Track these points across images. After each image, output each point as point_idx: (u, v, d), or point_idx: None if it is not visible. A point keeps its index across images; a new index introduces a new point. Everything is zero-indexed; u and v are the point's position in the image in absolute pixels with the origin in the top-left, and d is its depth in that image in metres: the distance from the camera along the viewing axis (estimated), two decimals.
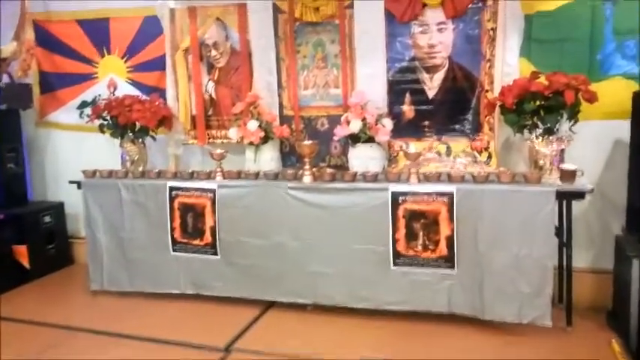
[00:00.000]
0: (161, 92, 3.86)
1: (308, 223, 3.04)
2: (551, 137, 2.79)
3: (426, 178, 2.90)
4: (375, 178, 3.00)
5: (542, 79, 2.82)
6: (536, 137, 2.83)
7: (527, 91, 2.78)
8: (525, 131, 2.90)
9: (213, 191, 3.22)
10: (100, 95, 3.86)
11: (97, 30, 4.09)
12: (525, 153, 3.13)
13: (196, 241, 3.29)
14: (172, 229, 3.34)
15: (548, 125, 2.80)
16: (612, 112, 2.95)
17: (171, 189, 3.32)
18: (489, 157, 3.15)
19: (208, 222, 3.25)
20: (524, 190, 2.66)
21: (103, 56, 4.11)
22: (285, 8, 3.46)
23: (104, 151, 3.94)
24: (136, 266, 3.46)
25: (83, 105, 3.87)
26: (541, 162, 2.83)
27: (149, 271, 3.42)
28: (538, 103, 2.80)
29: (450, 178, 2.86)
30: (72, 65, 4.21)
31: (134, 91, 3.97)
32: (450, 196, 2.75)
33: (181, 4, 3.67)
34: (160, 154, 4.00)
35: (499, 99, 2.89)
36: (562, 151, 2.81)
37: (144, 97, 3.82)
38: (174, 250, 3.35)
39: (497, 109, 3.00)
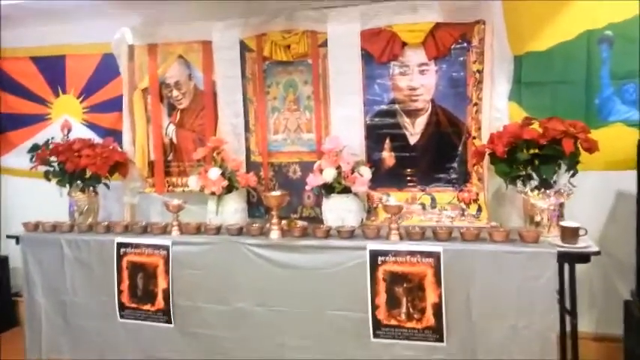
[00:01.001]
0: (118, 135, 3.52)
1: (275, 286, 2.64)
2: (548, 190, 2.49)
3: (409, 235, 2.55)
4: (351, 234, 2.65)
5: (536, 126, 2.54)
6: (531, 190, 2.53)
7: (519, 139, 2.49)
8: (518, 182, 2.60)
9: (166, 248, 2.82)
10: (52, 138, 3.50)
11: (52, 68, 3.81)
12: (519, 205, 2.83)
13: (147, 307, 2.85)
14: (120, 292, 2.90)
15: (544, 177, 2.50)
16: (614, 162, 2.71)
17: (120, 245, 2.91)
18: (479, 209, 2.83)
19: (161, 284, 2.82)
20: (522, 252, 2.32)
21: (57, 96, 3.83)
22: (253, 46, 3.18)
23: (57, 200, 3.52)
24: (78, 334, 3.00)
25: (34, 148, 3.47)
26: (537, 218, 2.52)
27: (94, 339, 2.97)
28: (532, 151, 2.51)
29: (436, 236, 2.51)
30: (24, 105, 3.90)
31: (90, 134, 3.67)
32: (437, 256, 2.40)
33: (141, 40, 3.36)
34: (117, 204, 3.62)
35: (488, 147, 2.60)
36: (561, 205, 2.50)
37: (98, 140, 3.48)
38: (121, 317, 2.90)
39: (487, 158, 2.70)
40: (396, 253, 2.45)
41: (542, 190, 2.51)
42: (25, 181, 3.88)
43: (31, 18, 3.63)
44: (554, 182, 2.52)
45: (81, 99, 3.73)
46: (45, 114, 3.84)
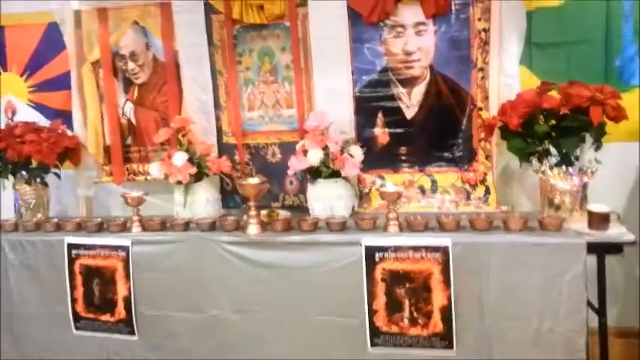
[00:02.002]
0: (68, 117, 3.05)
1: (254, 289, 2.27)
2: (570, 168, 2.13)
3: (410, 226, 2.18)
4: (342, 226, 2.27)
5: (554, 93, 2.17)
6: (550, 168, 2.17)
7: (537, 109, 2.12)
8: (533, 159, 2.24)
9: (125, 249, 2.40)
10: None
11: None
12: (529, 185, 2.48)
13: (106, 317, 2.46)
14: (73, 301, 2.50)
15: (566, 152, 2.14)
16: (637, 132, 2.34)
17: (71, 246, 2.49)
18: (487, 192, 2.47)
19: (121, 291, 2.42)
20: (545, 243, 1.97)
21: None
22: (220, 7, 2.71)
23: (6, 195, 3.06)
24: (28, 348, 2.62)
25: None
26: (558, 200, 2.17)
27: (46, 354, 2.59)
28: (551, 123, 2.15)
29: (441, 226, 2.15)
30: None
31: (38, 116, 3.16)
32: (444, 251, 2.03)
33: (88, 4, 2.87)
34: (73, 196, 3.17)
35: (500, 119, 2.22)
36: (585, 185, 2.15)
37: (46, 123, 3.00)
38: (77, 328, 2.51)
39: (497, 132, 2.32)
40: (397, 249, 2.08)
41: (563, 167, 2.15)
42: None
43: None
44: (577, 158, 2.17)
45: (25, 76, 3.23)
46: None
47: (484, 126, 2.38)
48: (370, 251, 2.11)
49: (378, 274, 2.11)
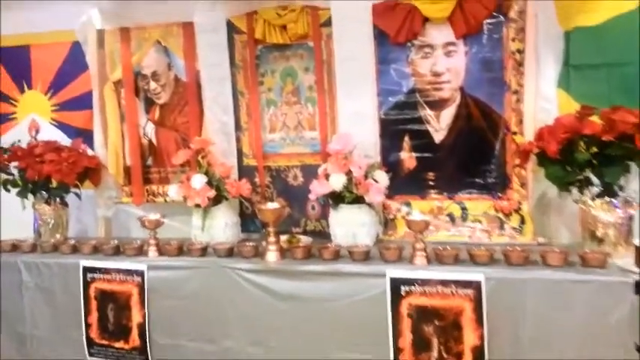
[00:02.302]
0: (90, 136, 3.02)
1: (272, 320, 2.15)
2: (614, 199, 1.97)
3: (439, 258, 2.04)
4: (365, 256, 2.14)
5: (595, 118, 2.02)
6: (592, 198, 2.01)
7: (577, 135, 1.98)
8: (573, 189, 2.08)
9: (141, 274, 2.32)
10: (19, 141, 3.00)
11: (16, 60, 3.30)
12: (567, 216, 2.32)
13: (120, 343, 2.37)
14: (87, 326, 2.43)
15: (609, 182, 1.98)
16: None
17: (86, 270, 2.42)
18: (522, 222, 2.32)
19: (135, 317, 2.34)
20: (588, 281, 1.81)
21: (22, 92, 3.31)
22: (242, 27, 2.66)
23: (21, 214, 3.03)
24: None
25: None
26: (600, 233, 2.01)
27: None
28: (592, 150, 2.00)
29: (473, 258, 2.00)
30: None
31: (60, 135, 3.15)
32: (477, 286, 1.88)
33: (111, 24, 2.85)
34: (93, 216, 3.13)
35: (537, 145, 2.08)
36: (630, 218, 1.99)
37: (66, 143, 2.98)
38: (90, 355, 2.43)
39: (533, 159, 2.18)
40: (424, 282, 1.94)
41: (606, 198, 1.99)
42: None
43: None
44: (620, 188, 2.01)
45: (49, 95, 3.23)
46: (9, 113, 3.33)
47: (519, 152, 2.24)
48: (396, 284, 1.98)
49: (404, 309, 1.97)
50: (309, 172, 2.64)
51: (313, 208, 2.69)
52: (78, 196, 2.93)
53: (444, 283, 1.93)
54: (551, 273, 1.87)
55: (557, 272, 1.87)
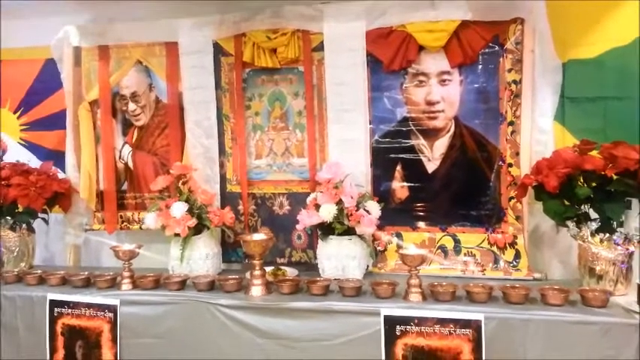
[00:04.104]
0: (62, 158, 2.84)
1: None
2: (614, 235, 1.92)
3: (435, 295, 1.94)
4: (357, 292, 2.03)
5: (594, 153, 1.99)
6: (592, 234, 1.95)
7: (577, 170, 1.92)
8: (570, 224, 2.02)
9: (113, 309, 2.14)
10: None
11: None
12: (560, 249, 2.27)
13: None
14: None
15: (610, 218, 1.93)
16: None
17: (53, 303, 2.23)
18: (517, 256, 2.24)
19: (106, 356, 2.15)
20: (591, 322, 1.73)
21: None
22: (230, 49, 2.56)
23: None
24: None
25: None
26: (599, 270, 1.95)
27: None
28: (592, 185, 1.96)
29: (471, 296, 1.91)
30: None
31: (29, 156, 2.95)
32: (477, 326, 1.79)
33: (89, 41, 2.71)
34: (59, 242, 2.93)
35: (535, 178, 2.02)
36: (631, 255, 1.93)
37: (36, 164, 2.79)
38: None
39: (529, 192, 2.13)
40: (421, 321, 1.84)
41: (607, 235, 1.93)
42: None
43: None
44: (621, 224, 1.96)
45: (18, 114, 3.05)
46: None
47: (515, 184, 2.19)
48: (390, 323, 1.86)
49: (399, 350, 1.85)
50: (296, 200, 2.53)
51: (299, 237, 2.56)
52: (45, 221, 2.74)
53: (442, 322, 1.82)
54: (552, 313, 1.79)
55: (559, 312, 1.79)
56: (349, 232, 2.24)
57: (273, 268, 2.40)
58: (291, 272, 2.40)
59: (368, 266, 2.36)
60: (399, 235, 2.42)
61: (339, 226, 2.22)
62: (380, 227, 2.36)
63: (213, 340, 2.05)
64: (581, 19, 2.26)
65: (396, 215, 2.42)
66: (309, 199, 2.34)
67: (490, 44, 2.26)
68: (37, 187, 2.56)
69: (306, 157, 2.53)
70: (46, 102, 2.98)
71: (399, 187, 2.43)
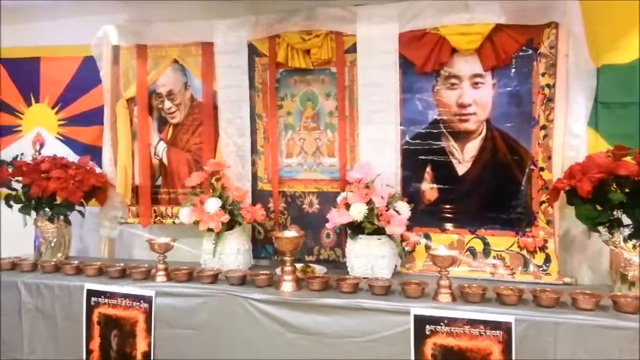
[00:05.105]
0: (98, 153, 2.93)
1: (286, 354, 2.04)
2: None
3: (464, 296, 1.96)
4: (386, 290, 2.05)
5: (629, 158, 1.98)
6: (624, 240, 1.95)
7: (611, 175, 1.92)
8: (602, 229, 2.02)
9: (148, 300, 2.21)
10: (22, 154, 2.91)
11: (24, 72, 3.23)
12: (590, 254, 2.27)
13: None
14: (89, 353, 2.30)
15: None
16: None
17: (90, 293, 2.31)
18: (547, 260, 2.25)
19: (140, 345, 2.22)
20: (622, 327, 1.73)
21: (29, 105, 3.23)
22: (264, 50, 2.61)
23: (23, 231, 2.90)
24: None
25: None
26: (631, 275, 1.94)
27: None
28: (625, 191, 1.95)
29: (500, 298, 1.92)
30: None
31: (66, 150, 3.07)
32: (506, 328, 1.80)
33: (128, 40, 2.79)
34: (96, 234, 3.02)
35: (568, 183, 2.02)
36: None
37: (75, 158, 2.89)
38: None
39: (561, 196, 2.13)
40: (451, 322, 1.86)
41: (638, 240, 1.93)
42: None
43: (1, 15, 3.10)
44: None
45: (56, 109, 3.15)
46: (14, 125, 3.24)
47: (547, 189, 2.19)
48: (420, 322, 1.89)
49: (429, 349, 1.88)
50: (326, 199, 2.57)
51: (328, 236, 2.60)
52: (82, 214, 2.82)
53: (472, 323, 1.84)
54: (583, 317, 1.79)
55: (590, 316, 1.80)
56: (379, 231, 2.27)
57: (302, 265, 2.45)
58: (319, 270, 2.44)
59: (396, 266, 2.38)
60: (427, 236, 2.44)
61: (369, 226, 2.24)
62: (408, 228, 2.37)
63: (244, 332, 2.10)
64: (615, 24, 2.25)
65: (424, 216, 2.44)
66: (339, 199, 2.38)
67: (524, 48, 2.26)
68: (76, 181, 2.65)
69: (337, 157, 2.57)
70: (83, 98, 3.08)
71: (429, 189, 2.45)
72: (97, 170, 2.85)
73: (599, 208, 2.00)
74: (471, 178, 2.38)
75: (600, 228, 2.03)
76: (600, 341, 1.75)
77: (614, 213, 1.99)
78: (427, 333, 1.88)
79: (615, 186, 1.97)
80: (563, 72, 2.20)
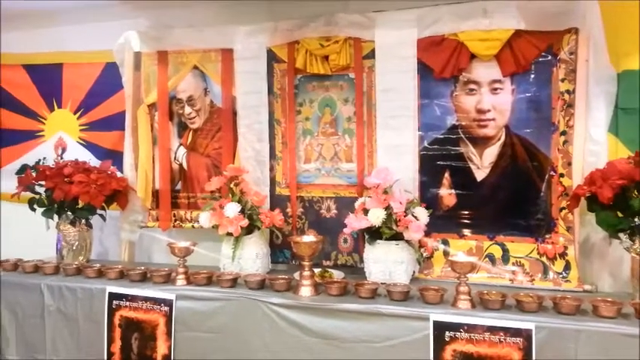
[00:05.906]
0: (120, 157, 2.98)
1: (305, 358, 2.05)
2: None
3: (484, 303, 1.95)
4: (405, 296, 2.06)
5: None
6: None
7: (632, 181, 1.91)
8: (623, 236, 2.01)
9: (169, 303, 2.24)
10: (44, 158, 2.97)
11: (47, 78, 3.30)
12: (611, 261, 2.24)
13: None
14: (110, 355, 2.33)
15: None
16: None
17: (112, 296, 2.35)
18: (567, 267, 2.23)
19: (161, 348, 2.25)
20: None
21: (52, 110, 3.30)
22: (283, 56, 2.64)
23: (45, 234, 2.95)
24: None
25: (23, 170, 2.93)
26: None
27: None
28: None
29: (520, 305, 1.92)
30: (14, 119, 3.37)
31: (87, 155, 3.13)
32: (527, 335, 1.79)
33: (149, 47, 2.84)
34: (116, 238, 3.07)
35: (588, 189, 2.01)
36: None
37: (96, 163, 2.94)
38: None
39: (581, 202, 2.11)
40: (471, 328, 1.85)
41: None
42: (14, 208, 3.26)
43: (25, 21, 3.18)
44: None
45: (78, 114, 3.22)
46: (37, 130, 3.32)
47: (567, 195, 2.18)
48: (440, 328, 1.89)
49: (448, 355, 1.87)
50: (343, 204, 2.58)
51: (345, 241, 2.61)
52: (103, 217, 2.87)
53: (492, 329, 1.84)
54: (607, 325, 1.78)
55: (612, 324, 1.78)
56: (396, 237, 2.28)
57: (320, 269, 2.46)
58: (337, 275, 2.45)
59: (414, 272, 2.38)
60: (445, 242, 2.44)
61: (387, 231, 2.25)
62: (426, 234, 2.37)
63: (263, 336, 2.11)
64: (636, 30, 2.23)
65: (442, 222, 2.43)
66: (357, 204, 2.39)
67: (543, 53, 2.25)
68: (98, 185, 2.69)
69: (355, 162, 2.58)
70: (104, 104, 3.13)
71: (447, 194, 2.45)
72: (118, 175, 2.90)
73: (620, 214, 1.98)
74: (489, 184, 2.38)
75: (621, 235, 2.01)
76: (622, 349, 1.73)
77: (635, 220, 1.97)
78: (447, 339, 1.88)
79: (637, 192, 1.96)
80: (584, 78, 2.19)
